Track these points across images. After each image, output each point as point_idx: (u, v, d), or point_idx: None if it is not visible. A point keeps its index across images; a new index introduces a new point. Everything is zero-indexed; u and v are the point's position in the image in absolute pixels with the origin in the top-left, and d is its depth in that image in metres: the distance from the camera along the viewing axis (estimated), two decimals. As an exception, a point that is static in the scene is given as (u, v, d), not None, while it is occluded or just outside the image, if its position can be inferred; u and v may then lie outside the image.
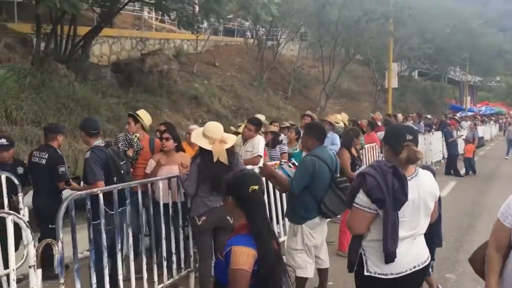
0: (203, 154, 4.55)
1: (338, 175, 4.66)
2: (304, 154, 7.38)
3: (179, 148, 5.39)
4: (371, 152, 9.89)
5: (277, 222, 6.16)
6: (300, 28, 24.51)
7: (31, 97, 9.68)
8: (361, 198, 2.85)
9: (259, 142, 6.14)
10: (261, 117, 7.56)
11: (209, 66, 19.41)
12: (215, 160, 4.45)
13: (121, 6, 13.19)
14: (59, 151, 5.53)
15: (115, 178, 4.53)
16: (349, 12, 20.35)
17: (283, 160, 5.52)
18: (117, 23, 17.37)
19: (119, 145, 5.62)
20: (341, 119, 9.81)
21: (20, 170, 5.42)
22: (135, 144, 5.72)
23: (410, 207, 2.83)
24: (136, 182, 4.69)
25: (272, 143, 7.29)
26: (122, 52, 16.73)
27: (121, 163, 4.74)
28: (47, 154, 5.34)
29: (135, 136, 5.82)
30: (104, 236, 4.01)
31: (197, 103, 14.85)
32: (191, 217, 4.66)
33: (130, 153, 5.63)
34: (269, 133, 7.26)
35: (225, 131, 4.93)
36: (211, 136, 4.56)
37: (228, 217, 4.50)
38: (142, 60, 13.94)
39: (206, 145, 4.51)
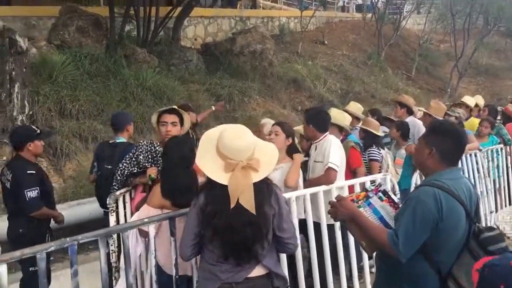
0: (212, 189, 2.43)
1: (481, 225, 2.35)
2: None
3: None
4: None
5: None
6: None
7: (95, 86, 8.49)
8: None
9: (330, 145, 3.85)
10: (359, 106, 5.27)
11: (316, 45, 17.10)
12: (233, 204, 2.32)
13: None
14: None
15: None
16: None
17: (368, 184, 3.24)
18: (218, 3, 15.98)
19: (141, 157, 3.65)
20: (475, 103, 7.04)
21: None
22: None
23: None
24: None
25: (364, 144, 4.93)
26: (219, 33, 15.22)
27: None
28: None
29: None
30: None
31: (297, 87, 12.75)
32: None
33: (152, 172, 3.47)
34: (361, 130, 4.95)
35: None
36: (230, 156, 2.37)
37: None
38: (232, 40, 12.17)
39: (218, 176, 2.36)
